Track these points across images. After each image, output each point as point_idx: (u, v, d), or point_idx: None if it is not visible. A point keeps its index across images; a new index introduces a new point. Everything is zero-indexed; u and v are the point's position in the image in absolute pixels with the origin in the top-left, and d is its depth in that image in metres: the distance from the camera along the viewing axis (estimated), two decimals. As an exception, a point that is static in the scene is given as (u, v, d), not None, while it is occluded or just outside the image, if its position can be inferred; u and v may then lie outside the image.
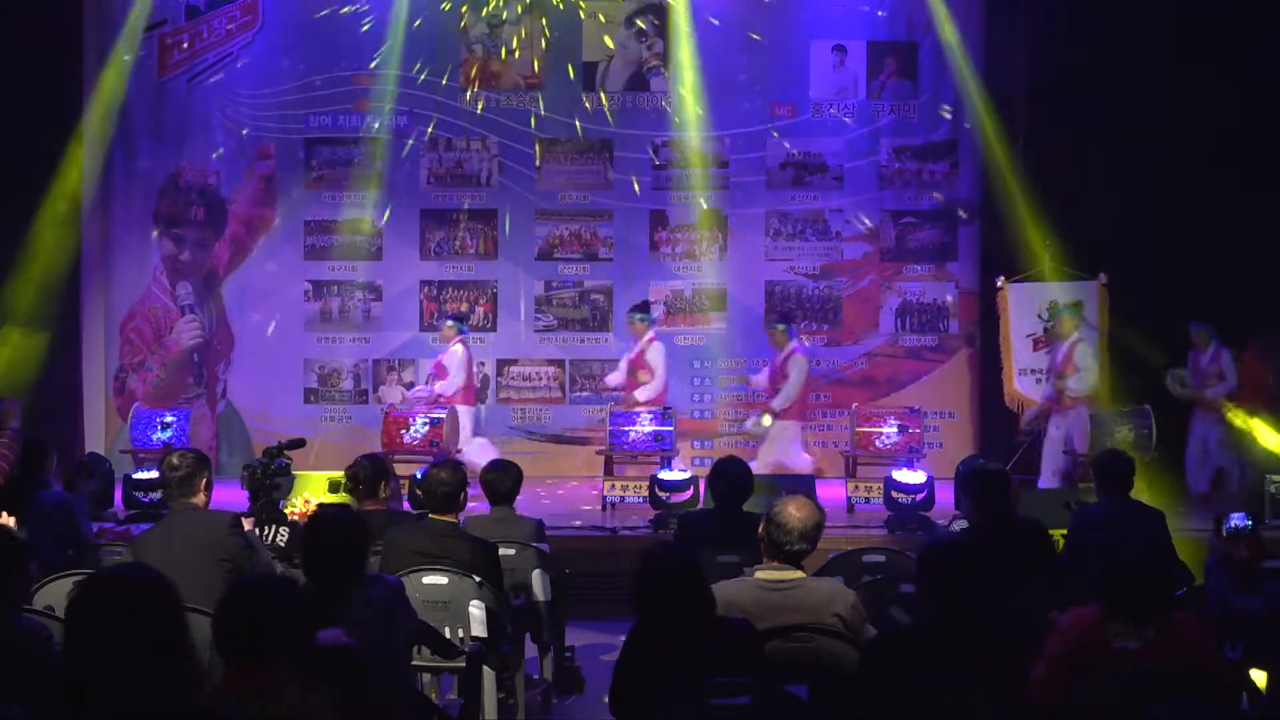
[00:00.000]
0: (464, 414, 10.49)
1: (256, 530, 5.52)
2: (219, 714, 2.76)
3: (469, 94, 11.87)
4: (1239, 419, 9.91)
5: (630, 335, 10.73)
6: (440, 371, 10.52)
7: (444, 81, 11.83)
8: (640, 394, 10.41)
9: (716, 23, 11.74)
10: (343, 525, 4.21)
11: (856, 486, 9.61)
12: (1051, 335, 10.30)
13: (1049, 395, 10.07)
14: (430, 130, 11.86)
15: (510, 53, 11.91)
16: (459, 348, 10.52)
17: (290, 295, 11.92)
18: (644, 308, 10.77)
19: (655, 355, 10.48)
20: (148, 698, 2.49)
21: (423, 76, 11.79)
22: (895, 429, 9.88)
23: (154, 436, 9.89)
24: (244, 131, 11.80)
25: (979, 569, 3.80)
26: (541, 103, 11.87)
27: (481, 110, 11.88)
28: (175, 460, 5.10)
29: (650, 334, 10.53)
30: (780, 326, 10.51)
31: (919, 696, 3.49)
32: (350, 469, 6.18)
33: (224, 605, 3.02)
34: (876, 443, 9.87)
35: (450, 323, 10.62)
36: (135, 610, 2.55)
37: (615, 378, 10.73)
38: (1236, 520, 4.90)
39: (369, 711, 2.96)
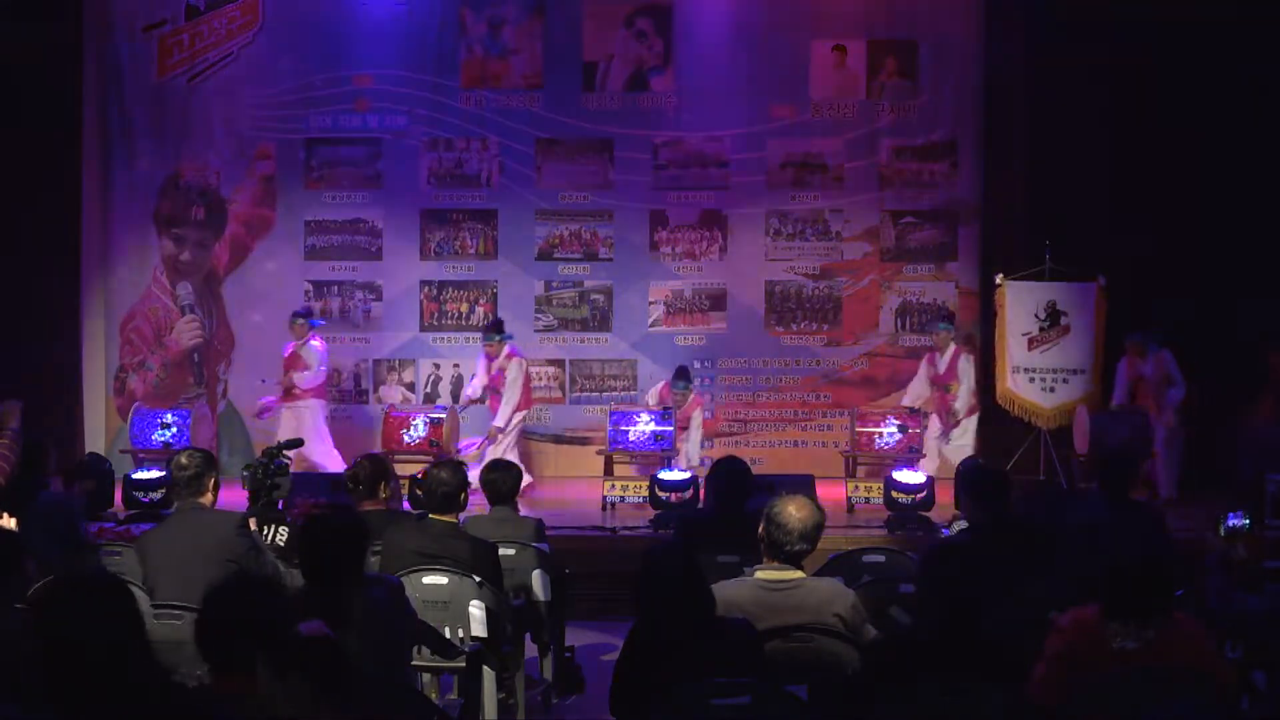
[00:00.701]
0: (318, 408, 10.53)
1: (257, 530, 5.52)
2: (198, 707, 2.77)
3: (469, 94, 11.87)
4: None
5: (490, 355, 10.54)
6: (295, 363, 10.43)
7: (444, 81, 11.83)
8: (497, 420, 10.34)
9: (714, 21, 11.73)
10: (339, 525, 4.20)
11: (856, 486, 9.62)
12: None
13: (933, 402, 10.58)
14: (430, 131, 11.86)
15: (510, 53, 11.91)
16: (317, 342, 10.53)
17: (290, 295, 11.91)
18: (498, 328, 10.61)
19: (513, 373, 10.38)
20: (119, 695, 2.56)
21: (423, 77, 11.79)
22: (895, 429, 9.88)
23: (154, 436, 9.90)
24: (245, 133, 11.80)
25: (981, 570, 3.80)
26: (541, 103, 11.87)
27: (482, 110, 11.88)
28: (184, 459, 5.10)
29: (508, 350, 10.45)
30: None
31: (920, 697, 3.48)
32: (350, 469, 6.19)
33: (204, 610, 3.02)
34: (876, 443, 9.87)
35: (299, 320, 10.50)
36: (95, 613, 2.65)
37: (474, 389, 10.61)
38: (1235, 520, 4.90)
39: (356, 706, 2.93)
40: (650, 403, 10.57)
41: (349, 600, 3.99)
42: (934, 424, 10.59)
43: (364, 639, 3.88)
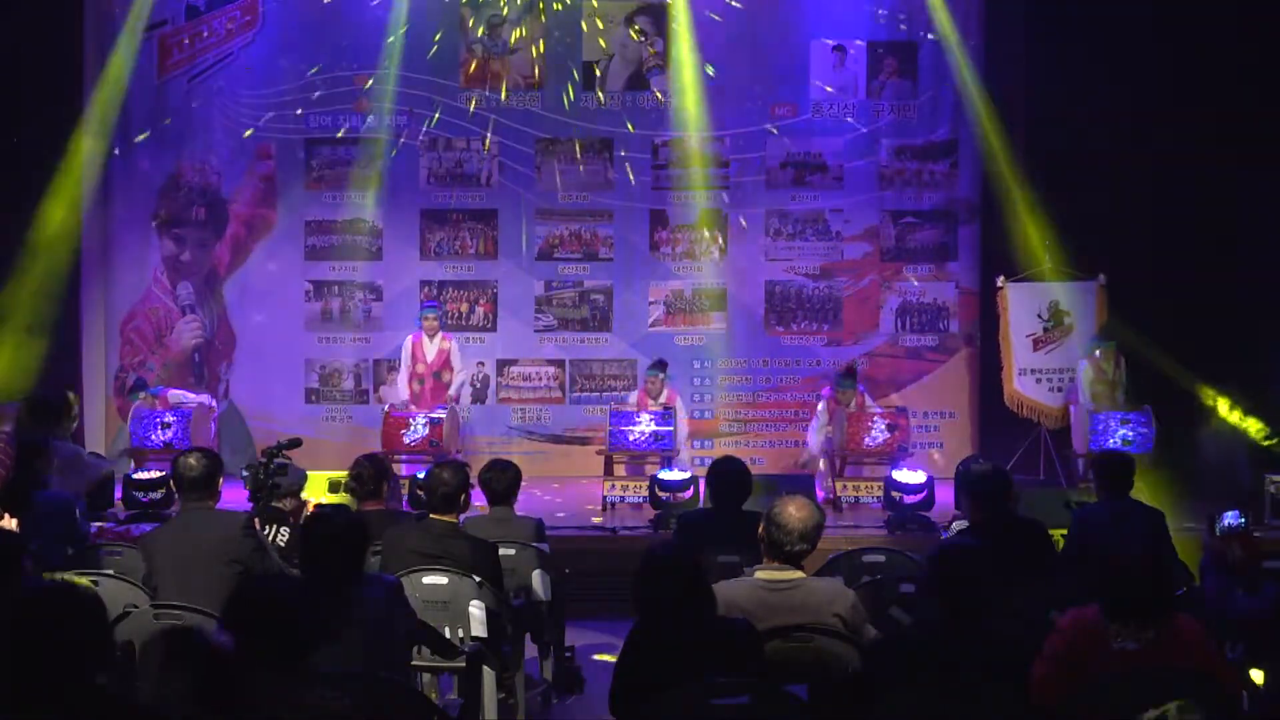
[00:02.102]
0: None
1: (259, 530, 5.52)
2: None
3: (469, 94, 11.87)
4: (1233, 415, 9.95)
5: None
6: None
7: (444, 81, 11.84)
8: None
9: (718, 19, 11.73)
10: (339, 524, 4.21)
11: (845, 485, 9.62)
12: (841, 399, 10.30)
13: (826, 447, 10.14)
14: (430, 130, 11.86)
15: (510, 53, 11.92)
16: (176, 391, 10.57)
17: (291, 295, 11.93)
18: None
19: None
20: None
21: (423, 77, 11.79)
22: (884, 428, 9.85)
23: (154, 436, 9.88)
24: (245, 133, 11.80)
25: (989, 572, 3.79)
26: (541, 103, 11.88)
27: (482, 110, 11.88)
28: (193, 460, 5.08)
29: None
30: None
31: (920, 697, 3.48)
32: (352, 469, 6.19)
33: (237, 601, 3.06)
34: (865, 442, 9.83)
35: (142, 394, 10.29)
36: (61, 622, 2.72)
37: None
38: (1230, 519, 4.89)
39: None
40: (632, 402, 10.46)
41: (346, 598, 3.99)
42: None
43: (362, 638, 3.89)
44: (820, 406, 10.50)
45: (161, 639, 2.81)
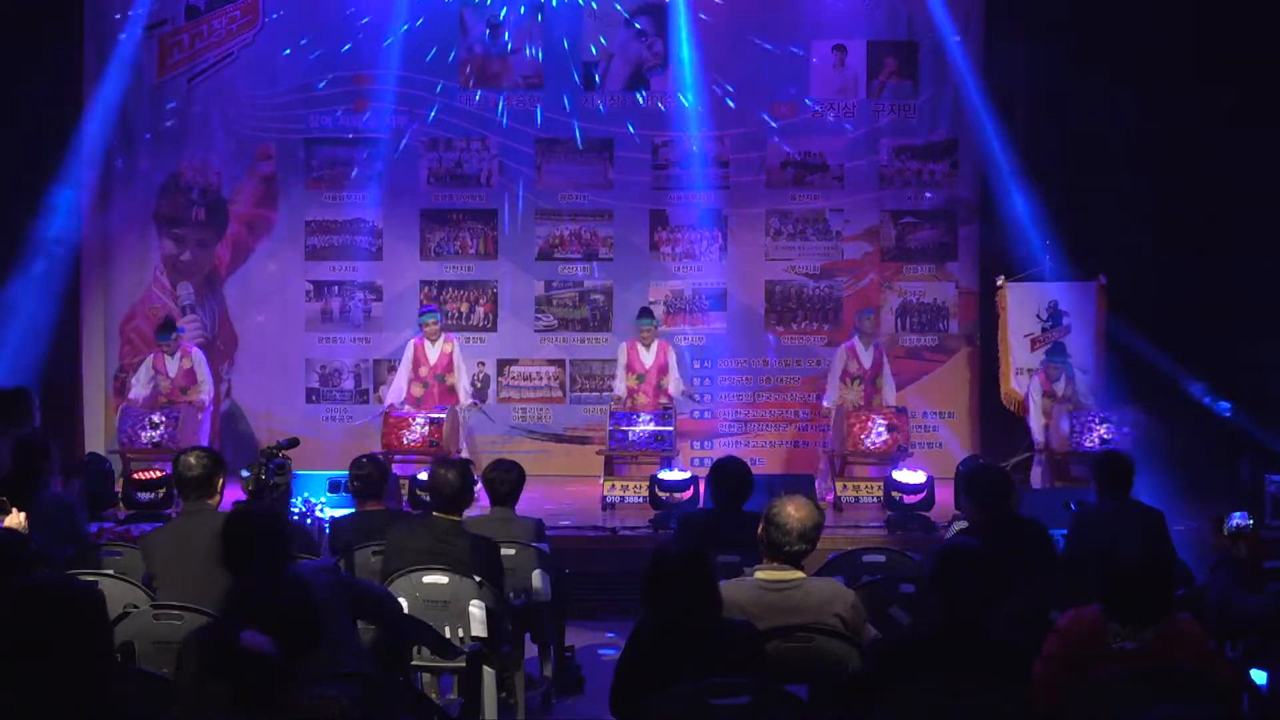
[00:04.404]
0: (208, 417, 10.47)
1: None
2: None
3: (469, 94, 11.87)
4: None
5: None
6: (188, 379, 10.33)
7: (444, 81, 11.84)
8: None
9: (715, 21, 11.72)
10: (257, 520, 4.19)
11: (845, 485, 9.62)
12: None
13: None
14: (430, 131, 11.86)
15: (510, 53, 11.92)
16: (197, 351, 10.53)
17: (291, 295, 11.92)
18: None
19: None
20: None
21: (423, 77, 11.79)
22: (884, 428, 9.84)
23: (143, 436, 9.85)
24: (244, 132, 11.79)
25: (989, 572, 3.79)
26: (541, 103, 11.88)
27: (481, 110, 11.88)
28: (192, 460, 5.05)
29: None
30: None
31: (920, 697, 3.48)
32: (352, 469, 6.19)
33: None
34: (865, 442, 9.83)
35: (173, 334, 10.31)
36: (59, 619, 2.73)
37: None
38: (1238, 519, 4.90)
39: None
40: (620, 367, 10.51)
41: (268, 590, 3.93)
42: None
43: (284, 624, 3.83)
44: (839, 351, 10.50)
45: (195, 644, 2.77)
